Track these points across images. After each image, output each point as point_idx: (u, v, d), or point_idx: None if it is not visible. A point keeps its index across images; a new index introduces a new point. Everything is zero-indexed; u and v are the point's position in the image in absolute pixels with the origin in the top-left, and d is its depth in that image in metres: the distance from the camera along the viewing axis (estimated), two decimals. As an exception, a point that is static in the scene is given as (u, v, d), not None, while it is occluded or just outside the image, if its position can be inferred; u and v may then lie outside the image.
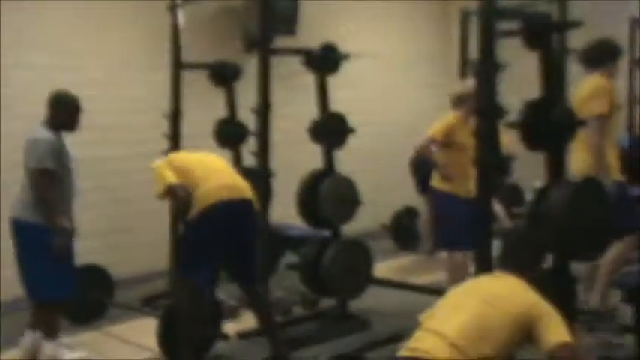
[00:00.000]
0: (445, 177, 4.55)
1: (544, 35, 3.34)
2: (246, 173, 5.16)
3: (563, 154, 3.47)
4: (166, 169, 3.67)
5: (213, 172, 3.74)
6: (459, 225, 4.24)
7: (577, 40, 4.20)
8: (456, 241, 4.42)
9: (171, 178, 3.62)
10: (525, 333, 2.27)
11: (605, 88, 4.14)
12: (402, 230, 6.80)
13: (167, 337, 3.84)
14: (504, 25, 3.32)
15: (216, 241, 3.60)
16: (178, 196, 3.61)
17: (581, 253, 3.49)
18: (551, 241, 3.12)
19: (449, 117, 4.63)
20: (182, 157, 3.96)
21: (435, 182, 4.70)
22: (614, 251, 4.13)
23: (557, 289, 3.35)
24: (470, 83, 4.63)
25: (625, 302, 3.75)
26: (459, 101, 4.61)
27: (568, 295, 3.42)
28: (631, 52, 6.80)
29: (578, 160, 4.09)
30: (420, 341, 2.31)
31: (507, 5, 3.41)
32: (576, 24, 3.31)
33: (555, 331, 2.22)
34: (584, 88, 4.13)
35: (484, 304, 2.32)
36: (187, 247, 3.68)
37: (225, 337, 4.04)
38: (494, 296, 2.35)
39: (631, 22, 6.87)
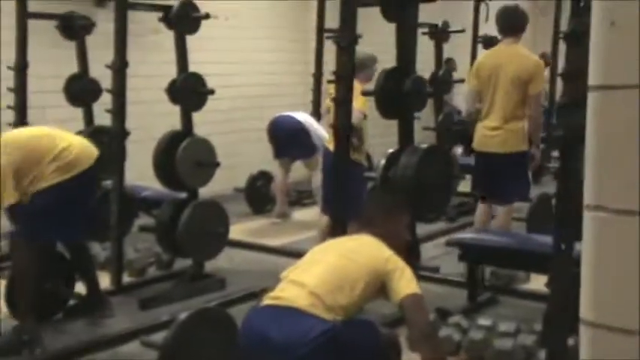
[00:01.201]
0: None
1: (400, 7, 3.53)
2: (100, 132, 5.05)
3: (412, 122, 3.72)
4: (10, 175, 3.36)
5: (66, 135, 3.67)
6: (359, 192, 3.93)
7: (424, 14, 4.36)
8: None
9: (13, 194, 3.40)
10: (379, 285, 2.44)
11: (542, 63, 4.36)
12: (256, 194, 6.89)
13: (14, 298, 3.68)
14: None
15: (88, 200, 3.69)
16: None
17: (424, 213, 3.78)
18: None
19: (356, 85, 4.25)
20: (19, 145, 3.48)
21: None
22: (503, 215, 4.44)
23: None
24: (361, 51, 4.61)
25: (460, 260, 4.09)
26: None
27: (411, 253, 3.70)
28: (474, 28, 7.28)
29: (504, 134, 4.24)
30: (282, 291, 2.43)
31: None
32: (430, -1, 3.52)
33: (405, 284, 2.41)
34: (525, 60, 4.22)
35: (342, 257, 2.48)
36: (57, 209, 3.49)
37: (79, 297, 3.95)
38: (352, 251, 2.51)
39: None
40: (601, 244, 0.75)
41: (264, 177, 6.85)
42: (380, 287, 2.45)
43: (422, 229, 4.35)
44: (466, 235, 4.25)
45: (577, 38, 2.73)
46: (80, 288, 4.02)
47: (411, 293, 2.39)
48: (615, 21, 0.72)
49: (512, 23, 4.36)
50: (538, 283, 4.00)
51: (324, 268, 2.45)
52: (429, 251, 4.83)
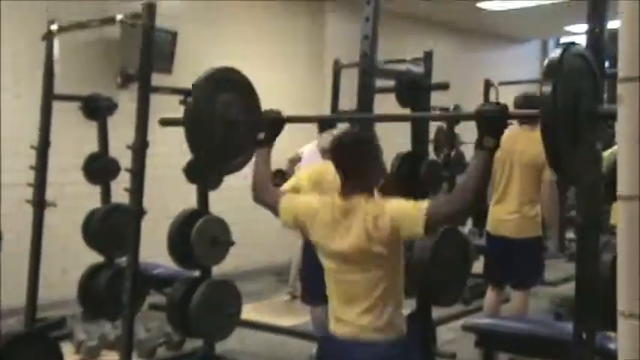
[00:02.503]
0: None
1: (414, 94, 3.61)
2: (117, 210, 5.09)
3: (427, 205, 3.73)
4: None
5: None
6: None
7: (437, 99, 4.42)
8: None
9: None
10: (398, 235, 2.38)
11: None
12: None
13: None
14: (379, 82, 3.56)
15: None
16: None
17: (441, 297, 3.74)
18: (415, 286, 3.34)
19: None
20: None
21: None
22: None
23: (419, 331, 3.58)
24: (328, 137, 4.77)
25: (477, 346, 4.02)
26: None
27: (427, 338, 3.65)
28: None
29: (519, 219, 4.29)
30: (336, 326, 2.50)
31: (381, 63, 3.64)
32: (444, 86, 3.60)
33: (417, 211, 2.33)
34: (539, 147, 4.22)
35: (353, 272, 2.45)
36: None
37: None
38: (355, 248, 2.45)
39: (485, 83, 7.52)
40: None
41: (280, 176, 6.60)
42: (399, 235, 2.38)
43: (437, 312, 4.29)
44: (482, 320, 4.18)
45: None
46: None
47: (425, 213, 2.30)
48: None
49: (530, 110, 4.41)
50: (557, 370, 3.91)
51: (351, 295, 2.46)
52: (445, 334, 4.75)
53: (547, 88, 2.03)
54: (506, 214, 4.30)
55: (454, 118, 4.76)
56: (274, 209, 2.65)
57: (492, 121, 2.25)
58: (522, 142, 4.32)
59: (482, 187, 2.27)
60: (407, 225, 2.33)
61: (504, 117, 2.26)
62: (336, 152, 2.59)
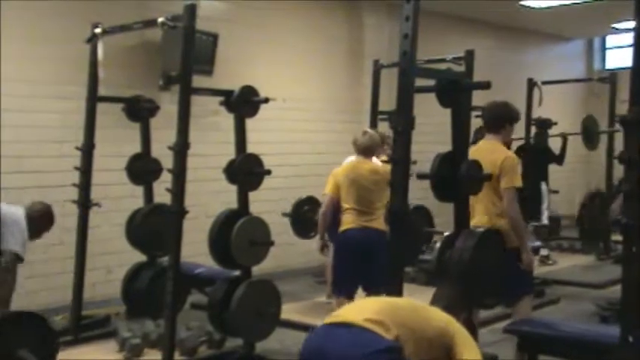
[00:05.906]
0: None
1: (455, 94, 3.57)
2: (159, 210, 5.16)
3: (467, 205, 3.69)
4: None
5: None
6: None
7: (479, 99, 4.29)
8: None
9: None
10: (441, 348, 2.46)
11: (517, 161, 4.05)
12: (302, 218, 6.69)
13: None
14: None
15: None
16: None
17: (482, 299, 3.70)
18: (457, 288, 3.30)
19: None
20: None
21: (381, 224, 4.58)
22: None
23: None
24: (372, 134, 4.84)
25: (519, 349, 3.95)
26: (367, 151, 4.78)
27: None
28: (528, 111, 7.31)
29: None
30: (341, 310, 2.56)
31: (420, 63, 3.60)
32: (485, 85, 3.54)
33: (469, 350, 2.44)
34: (494, 156, 3.94)
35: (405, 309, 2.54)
36: None
37: None
38: (415, 305, 2.58)
39: (528, 83, 7.40)
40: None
41: (311, 202, 6.62)
42: (444, 350, 2.47)
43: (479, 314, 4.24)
44: (524, 323, 4.11)
45: (637, 125, 2.71)
46: None
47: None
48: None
49: (492, 120, 4.16)
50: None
51: (382, 304, 2.55)
52: (486, 337, 4.68)
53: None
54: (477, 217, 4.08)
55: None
56: None
57: None
58: (482, 153, 3.94)
59: None
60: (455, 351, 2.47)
61: None
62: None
